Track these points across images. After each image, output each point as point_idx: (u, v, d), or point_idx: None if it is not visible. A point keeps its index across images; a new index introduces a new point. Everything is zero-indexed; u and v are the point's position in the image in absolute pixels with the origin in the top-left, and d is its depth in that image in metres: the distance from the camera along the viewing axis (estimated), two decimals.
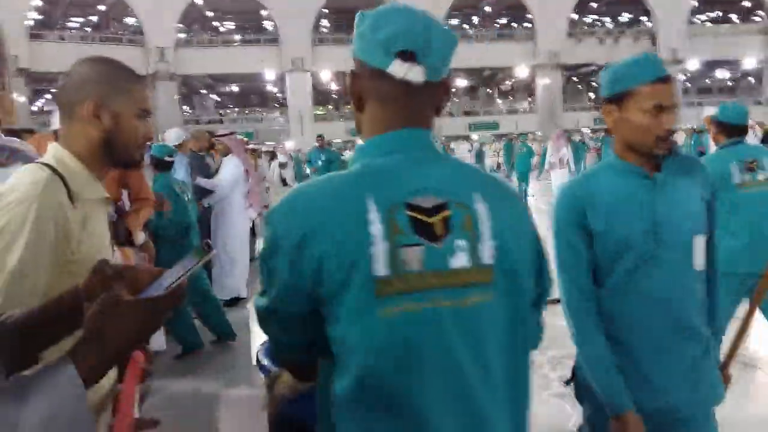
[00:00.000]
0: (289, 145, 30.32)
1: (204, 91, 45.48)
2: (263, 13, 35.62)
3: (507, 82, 46.91)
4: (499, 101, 47.13)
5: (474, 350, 0.98)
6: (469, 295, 0.98)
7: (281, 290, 0.98)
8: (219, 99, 48.87)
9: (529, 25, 36.89)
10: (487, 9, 41.07)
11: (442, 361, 0.96)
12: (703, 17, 42.44)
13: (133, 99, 1.42)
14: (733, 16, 43.31)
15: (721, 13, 43.31)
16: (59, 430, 0.73)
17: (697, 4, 36.88)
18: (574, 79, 44.16)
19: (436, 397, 0.95)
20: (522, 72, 37.59)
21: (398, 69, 0.99)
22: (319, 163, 10.79)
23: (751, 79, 41.84)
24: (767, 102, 37.28)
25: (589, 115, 38.39)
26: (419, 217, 0.96)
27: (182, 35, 35.05)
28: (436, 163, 1.04)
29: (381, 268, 0.92)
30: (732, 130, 3.40)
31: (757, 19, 39.69)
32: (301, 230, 0.95)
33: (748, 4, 39.77)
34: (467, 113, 39.61)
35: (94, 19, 37.17)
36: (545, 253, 1.14)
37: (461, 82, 46.06)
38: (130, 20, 36.29)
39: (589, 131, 29.85)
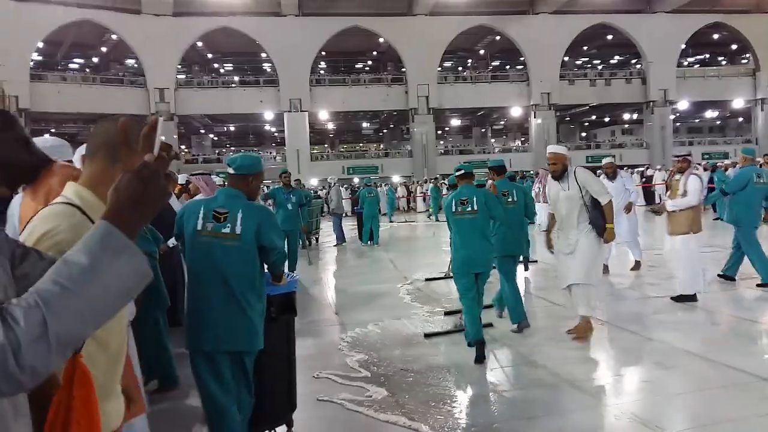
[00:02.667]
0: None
1: (202, 131, 46.04)
2: (263, 55, 36.40)
3: (500, 122, 47.67)
4: (492, 140, 47.79)
5: (226, 260, 2.98)
6: (228, 241, 3.00)
7: (176, 228, 3.15)
8: (216, 138, 49.43)
9: (523, 68, 37.73)
10: (482, 52, 42.06)
11: (212, 258, 2.99)
12: (692, 59, 43.52)
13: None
14: (721, 59, 44.45)
15: (709, 56, 44.43)
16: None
17: (685, 46, 37.81)
18: (567, 118, 44.90)
19: (206, 271, 3.01)
20: (516, 112, 38.30)
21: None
22: (289, 207, 9.35)
23: (740, 119, 42.60)
24: (756, 141, 37.95)
25: (581, 154, 39.00)
26: (216, 213, 3.04)
27: (182, 76, 35.70)
28: (229, 197, 3.10)
29: (199, 225, 3.03)
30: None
31: (743, 61, 40.70)
32: (181, 212, 3.14)
33: (735, 46, 40.84)
34: (462, 151, 40.12)
35: (95, 60, 37.86)
36: (269, 230, 3.06)
37: (456, 122, 46.83)
38: (130, 61, 37.03)
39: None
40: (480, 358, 4.80)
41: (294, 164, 32.96)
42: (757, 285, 6.98)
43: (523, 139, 41.19)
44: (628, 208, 8.66)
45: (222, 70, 42.25)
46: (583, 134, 49.32)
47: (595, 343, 5.28)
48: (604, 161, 8.88)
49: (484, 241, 4.95)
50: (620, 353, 5.05)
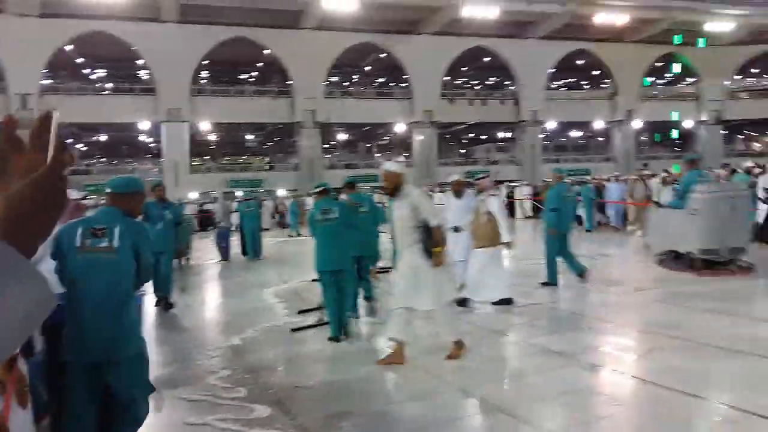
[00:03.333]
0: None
1: (70, 140, 42.74)
2: (140, 62, 34.59)
3: (385, 138, 48.69)
4: (377, 155, 48.67)
5: (104, 274, 3.07)
6: (106, 254, 3.09)
7: (53, 248, 3.13)
8: (87, 148, 46.15)
9: (406, 85, 38.87)
10: (368, 68, 42.81)
11: (91, 273, 3.06)
12: (559, 83, 47.07)
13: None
14: (585, 83, 48.51)
15: (574, 80, 48.31)
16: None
17: (554, 71, 40.84)
18: (447, 135, 46.76)
19: (86, 285, 3.05)
20: (400, 128, 39.32)
21: None
22: (159, 225, 8.03)
23: (600, 138, 46.67)
24: (614, 159, 41.71)
25: (460, 170, 40.62)
26: (94, 230, 3.10)
27: (48, 81, 33.02)
28: (107, 214, 3.22)
29: (78, 242, 3.07)
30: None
31: (604, 86, 44.66)
32: (58, 233, 3.07)
33: (596, 72, 44.73)
34: (348, 165, 40.46)
35: None
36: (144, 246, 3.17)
37: (342, 136, 47.20)
38: None
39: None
40: (336, 339, 5.90)
41: (172, 177, 31.53)
42: (542, 283, 8.38)
43: (406, 154, 42.34)
44: None
45: (94, 77, 39.61)
46: (462, 151, 51.59)
47: (473, 351, 5.48)
48: (451, 178, 8.44)
49: (342, 243, 5.70)
50: (503, 359, 5.29)
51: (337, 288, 5.89)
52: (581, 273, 8.46)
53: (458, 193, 7.89)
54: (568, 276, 8.50)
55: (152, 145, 42.49)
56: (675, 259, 9.24)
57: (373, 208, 7.34)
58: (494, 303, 7.18)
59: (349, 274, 6.10)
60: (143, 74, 35.95)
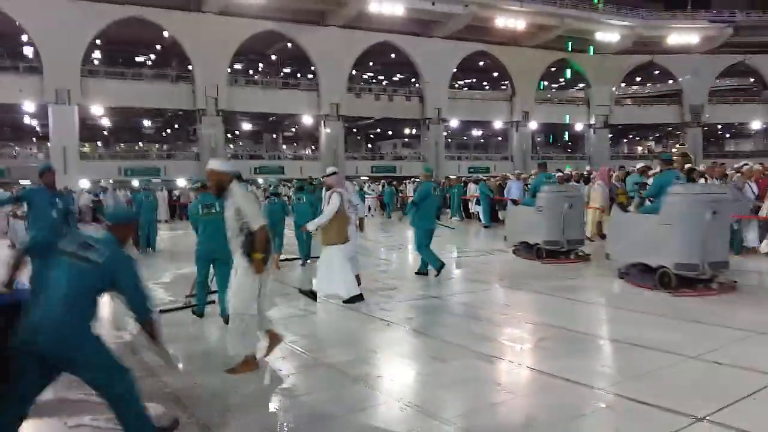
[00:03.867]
0: None
1: None
2: (24, 38, 31.91)
3: (292, 129, 48.05)
4: (283, 147, 47.99)
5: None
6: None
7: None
8: None
9: (313, 77, 38.56)
10: (273, 57, 42.01)
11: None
12: (462, 83, 48.52)
13: None
14: (486, 84, 50.31)
15: (475, 80, 49.97)
16: None
17: (456, 70, 42.03)
18: (354, 130, 46.95)
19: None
20: (307, 120, 38.98)
21: None
22: (54, 214, 6.87)
23: (499, 138, 48.67)
24: (511, 158, 43.67)
25: (367, 164, 41.08)
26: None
27: None
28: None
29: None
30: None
31: (503, 87, 46.57)
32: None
33: (496, 74, 46.53)
34: (252, 156, 39.59)
35: None
36: None
37: (246, 126, 46.05)
38: None
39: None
40: (201, 315, 6.65)
41: (60, 163, 29.44)
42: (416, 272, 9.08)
43: (314, 147, 42.04)
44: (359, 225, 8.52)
45: None
46: (369, 145, 51.98)
47: (382, 343, 5.57)
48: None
49: (221, 236, 5.26)
50: (399, 350, 5.41)
51: (221, 274, 6.28)
52: (439, 268, 8.81)
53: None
54: (468, 271, 8.78)
55: (38, 128, 39.37)
56: (527, 249, 10.61)
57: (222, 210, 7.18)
58: (345, 302, 7.16)
59: (226, 264, 5.54)
60: (29, 52, 33.22)
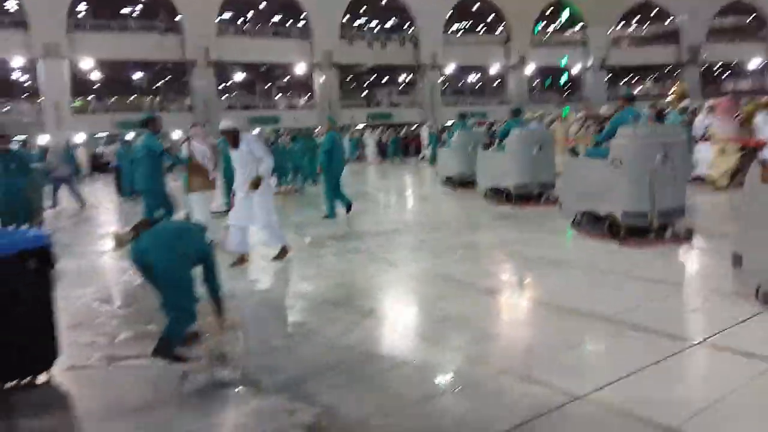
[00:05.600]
0: (44, 140, 27.12)
1: None
2: None
3: (284, 79, 47.33)
4: (277, 96, 47.35)
5: None
6: None
7: None
8: None
9: (305, 24, 37.78)
10: (262, 5, 41.02)
11: None
12: (457, 27, 47.46)
13: None
14: (481, 28, 49.22)
15: (470, 25, 48.85)
16: None
17: (451, 14, 41.12)
18: (348, 78, 46.20)
19: None
20: (300, 69, 38.40)
21: None
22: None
23: (496, 83, 48.03)
24: (509, 103, 43.19)
25: (363, 112, 40.74)
26: None
27: None
28: None
29: None
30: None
31: (498, 31, 45.63)
32: None
33: (491, 18, 45.52)
34: (247, 107, 39.20)
35: None
36: None
37: (239, 76, 45.32)
38: None
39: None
40: None
41: (52, 119, 29.26)
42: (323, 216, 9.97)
43: (307, 96, 41.54)
44: (256, 183, 6.55)
45: None
46: (364, 94, 51.31)
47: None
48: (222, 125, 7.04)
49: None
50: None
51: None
52: (348, 206, 10.07)
53: (233, 143, 6.72)
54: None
55: (28, 84, 38.78)
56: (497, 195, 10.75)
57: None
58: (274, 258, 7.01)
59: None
60: (13, 5, 32.39)
